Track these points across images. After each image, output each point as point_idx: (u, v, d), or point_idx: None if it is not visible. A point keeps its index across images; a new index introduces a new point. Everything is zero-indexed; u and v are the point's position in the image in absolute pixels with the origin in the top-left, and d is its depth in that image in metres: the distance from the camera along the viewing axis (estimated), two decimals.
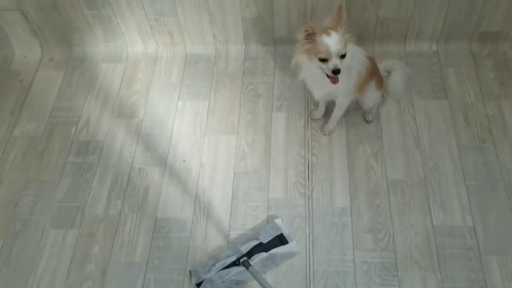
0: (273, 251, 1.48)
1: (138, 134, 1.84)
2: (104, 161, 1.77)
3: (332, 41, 1.34)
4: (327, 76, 1.41)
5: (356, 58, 1.50)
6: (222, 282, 1.43)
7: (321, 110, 1.79)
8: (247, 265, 1.40)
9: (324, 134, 1.76)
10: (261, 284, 1.28)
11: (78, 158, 1.79)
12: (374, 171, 1.67)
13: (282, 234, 1.52)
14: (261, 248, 1.49)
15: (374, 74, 1.61)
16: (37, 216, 1.65)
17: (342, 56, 1.37)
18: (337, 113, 1.70)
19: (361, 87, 1.59)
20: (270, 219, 1.58)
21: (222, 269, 1.45)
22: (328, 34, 1.34)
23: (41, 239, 1.60)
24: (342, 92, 1.59)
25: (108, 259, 1.54)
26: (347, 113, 1.73)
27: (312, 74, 1.49)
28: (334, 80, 1.42)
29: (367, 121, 1.78)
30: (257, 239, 1.50)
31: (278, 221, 1.55)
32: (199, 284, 1.44)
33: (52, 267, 1.53)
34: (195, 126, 1.85)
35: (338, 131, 1.78)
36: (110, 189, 1.69)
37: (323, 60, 1.37)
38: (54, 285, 1.50)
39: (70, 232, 1.60)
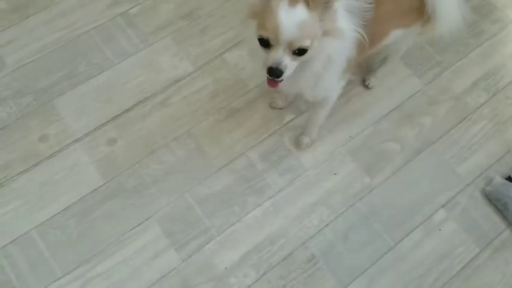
0: None
1: None
2: None
3: (288, 18, 0.78)
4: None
5: (341, 42, 0.89)
6: None
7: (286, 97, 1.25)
8: None
9: (302, 149, 1.25)
10: None
11: None
12: None
13: None
14: None
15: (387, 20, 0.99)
16: None
17: (300, 52, 0.83)
18: (319, 113, 1.15)
19: (360, 59, 1.02)
20: None
21: None
22: (292, 4, 0.79)
23: None
24: (325, 89, 1.04)
25: None
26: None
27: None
28: (270, 83, 0.90)
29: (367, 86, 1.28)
30: None
31: None
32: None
33: None
34: None
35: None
36: None
37: (264, 42, 0.83)
38: None
39: None
